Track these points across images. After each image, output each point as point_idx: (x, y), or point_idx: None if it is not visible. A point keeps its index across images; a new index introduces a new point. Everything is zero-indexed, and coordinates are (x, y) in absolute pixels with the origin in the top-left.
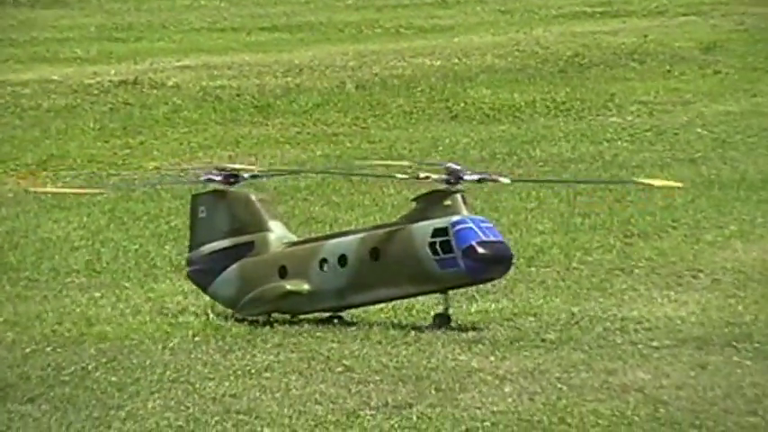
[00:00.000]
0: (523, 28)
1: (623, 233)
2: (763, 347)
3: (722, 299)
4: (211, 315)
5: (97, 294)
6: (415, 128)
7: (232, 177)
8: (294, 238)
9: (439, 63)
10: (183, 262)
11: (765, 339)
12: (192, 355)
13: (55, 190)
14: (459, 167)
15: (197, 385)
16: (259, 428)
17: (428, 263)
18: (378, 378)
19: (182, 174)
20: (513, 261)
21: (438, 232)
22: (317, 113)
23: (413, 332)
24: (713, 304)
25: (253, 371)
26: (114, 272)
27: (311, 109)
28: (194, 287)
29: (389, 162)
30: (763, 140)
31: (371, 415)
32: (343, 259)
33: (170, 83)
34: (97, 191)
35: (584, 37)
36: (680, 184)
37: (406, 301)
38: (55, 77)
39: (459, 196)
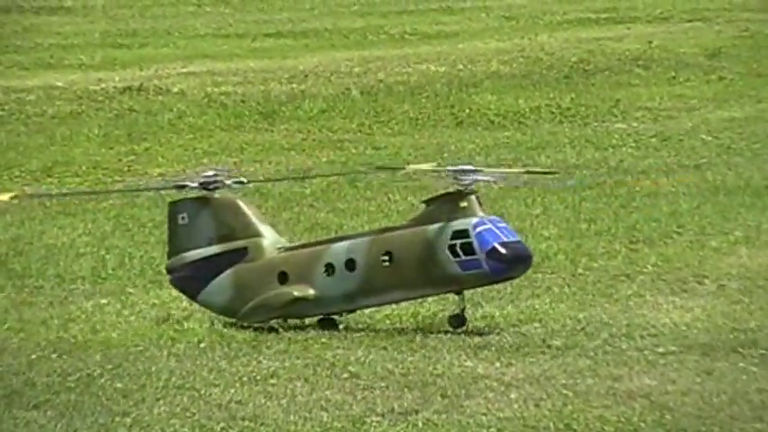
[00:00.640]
0: (528, 34)
1: (629, 239)
2: None
3: (728, 305)
4: (216, 322)
5: (102, 301)
6: (420, 134)
7: (211, 183)
8: (286, 243)
9: (444, 69)
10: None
11: None
12: (198, 362)
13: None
14: (472, 168)
15: (202, 392)
16: None
17: (449, 265)
18: (383, 384)
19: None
20: (533, 260)
21: (458, 234)
22: (322, 120)
23: (418, 338)
24: (719, 310)
25: (258, 377)
26: (119, 278)
27: (316, 115)
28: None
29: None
30: None
31: (377, 421)
32: (351, 263)
33: (175, 89)
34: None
35: (588, 43)
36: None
37: (411, 306)
38: (59, 84)
39: (474, 197)
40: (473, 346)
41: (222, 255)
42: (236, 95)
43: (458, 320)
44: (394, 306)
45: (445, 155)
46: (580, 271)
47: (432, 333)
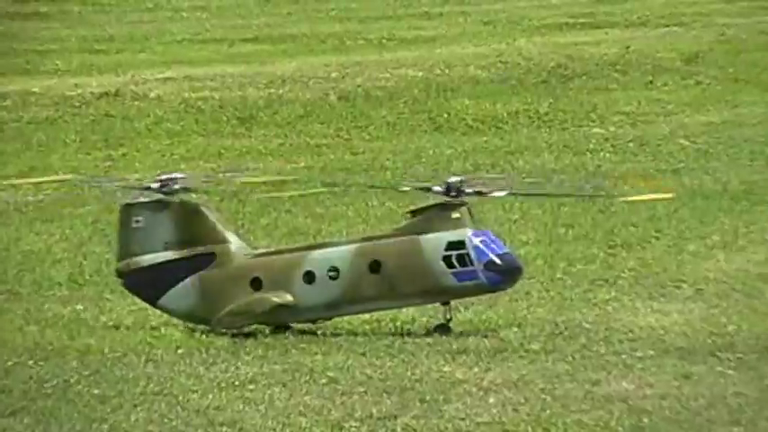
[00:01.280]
0: (506, 39)
1: (607, 244)
2: (746, 357)
3: (705, 309)
4: (195, 328)
5: (80, 307)
6: (398, 139)
7: (167, 187)
8: (251, 249)
9: (422, 74)
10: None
11: (748, 349)
12: (176, 368)
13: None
14: (459, 180)
15: (180, 398)
16: None
17: (443, 276)
18: (362, 389)
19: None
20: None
21: (453, 245)
22: (299, 125)
23: (397, 343)
24: (696, 314)
25: (237, 383)
26: (97, 284)
27: (294, 120)
28: None
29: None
30: (745, 151)
31: (356, 427)
32: (334, 271)
33: (152, 95)
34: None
35: (566, 48)
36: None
37: (390, 312)
38: (36, 89)
39: (466, 209)
40: (451, 350)
41: (185, 260)
42: (214, 101)
43: (443, 330)
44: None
45: (423, 160)
46: (558, 275)
47: (410, 338)
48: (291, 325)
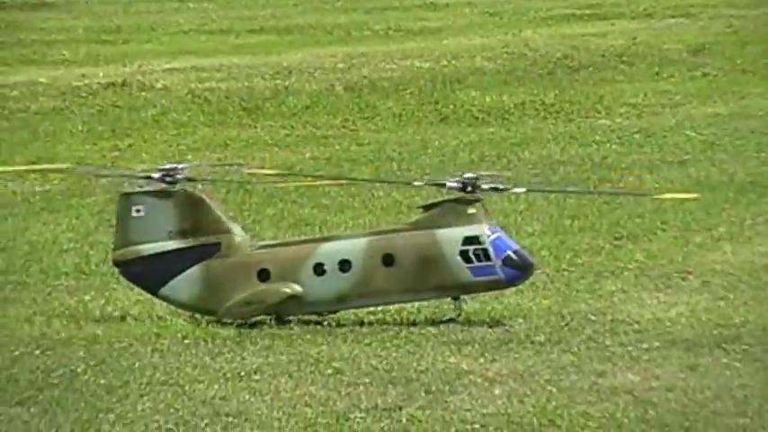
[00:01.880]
0: (512, 30)
1: (612, 235)
2: (752, 349)
3: (711, 301)
4: (201, 319)
5: (86, 297)
6: (404, 130)
7: (169, 176)
8: (254, 241)
9: (428, 65)
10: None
11: (754, 341)
12: (182, 358)
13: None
14: (475, 175)
15: (186, 388)
16: (249, 431)
17: (460, 270)
18: (367, 380)
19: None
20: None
21: (470, 240)
22: (305, 116)
23: (403, 334)
24: (702, 306)
25: (242, 373)
26: (103, 274)
27: (300, 111)
28: None
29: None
30: (752, 143)
31: (361, 417)
32: (345, 264)
33: (158, 85)
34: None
35: (572, 39)
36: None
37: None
38: (43, 80)
39: (481, 204)
40: (457, 341)
41: (188, 249)
42: (220, 91)
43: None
44: None
45: (429, 151)
46: (564, 267)
47: (416, 329)
48: (290, 318)
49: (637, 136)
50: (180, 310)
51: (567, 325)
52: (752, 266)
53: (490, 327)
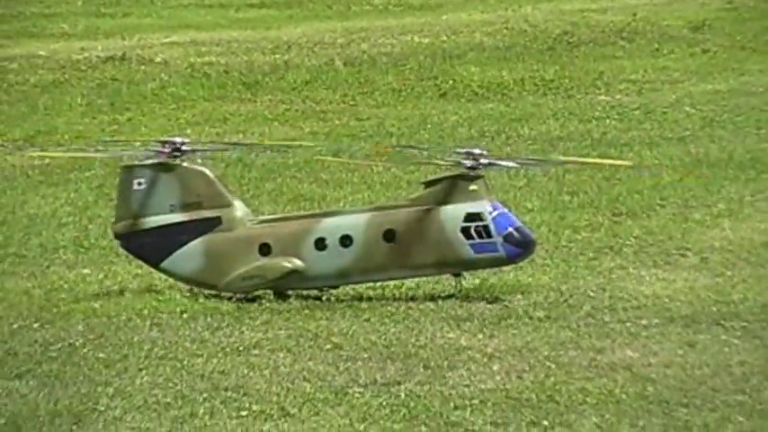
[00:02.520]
0: (512, 6)
1: (612, 211)
2: (751, 326)
3: (710, 277)
4: (199, 293)
5: (85, 271)
6: (403, 105)
7: (176, 150)
8: (255, 216)
9: (428, 40)
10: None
11: (753, 318)
12: (180, 332)
13: None
14: (478, 152)
15: (185, 362)
16: (247, 405)
17: (461, 247)
18: (366, 355)
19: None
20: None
21: (472, 217)
22: (305, 90)
23: (401, 309)
24: (701, 283)
25: (241, 348)
26: (102, 248)
27: (299, 86)
28: None
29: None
30: (752, 119)
31: (360, 392)
32: (347, 239)
33: (158, 59)
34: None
35: (572, 15)
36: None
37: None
38: (42, 53)
39: (482, 181)
40: (456, 317)
41: (190, 223)
42: (220, 66)
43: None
44: None
45: (428, 126)
46: (563, 243)
47: (415, 304)
48: (290, 292)
49: (636, 112)
50: (180, 284)
51: (565, 301)
52: (751, 243)
53: (489, 303)
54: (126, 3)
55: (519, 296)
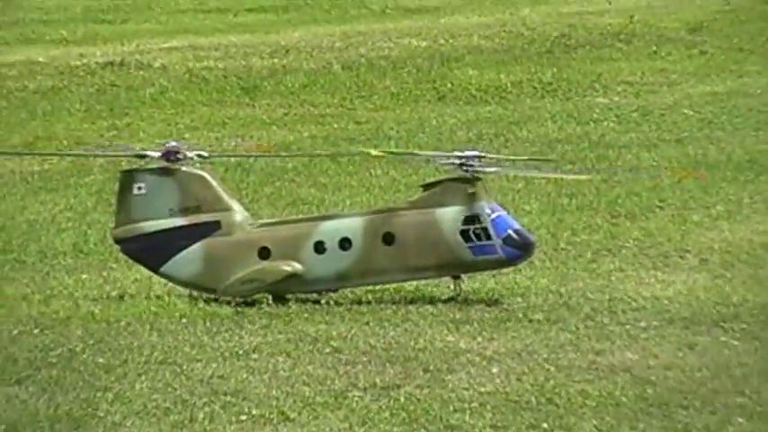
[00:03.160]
0: (509, 9)
1: (610, 213)
2: (751, 327)
3: (710, 279)
4: (198, 297)
5: (84, 276)
6: (402, 109)
7: (174, 155)
8: (254, 219)
9: (425, 44)
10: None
11: (753, 319)
12: (180, 337)
13: None
14: (474, 154)
15: (184, 367)
16: (247, 410)
17: (460, 249)
18: (365, 359)
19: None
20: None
21: (471, 219)
22: (303, 94)
23: (400, 312)
24: (701, 284)
25: (240, 352)
26: (101, 254)
27: (298, 90)
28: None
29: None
30: (750, 121)
31: (359, 396)
32: (346, 242)
33: (156, 64)
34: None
35: (570, 17)
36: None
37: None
38: (41, 59)
39: (481, 183)
40: (455, 320)
41: (190, 227)
42: (218, 70)
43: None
44: None
45: (427, 129)
46: (562, 245)
47: (414, 307)
48: (288, 296)
49: (634, 114)
50: (179, 289)
51: (565, 303)
52: (750, 245)
53: (488, 305)
54: (125, 9)
55: (518, 299)
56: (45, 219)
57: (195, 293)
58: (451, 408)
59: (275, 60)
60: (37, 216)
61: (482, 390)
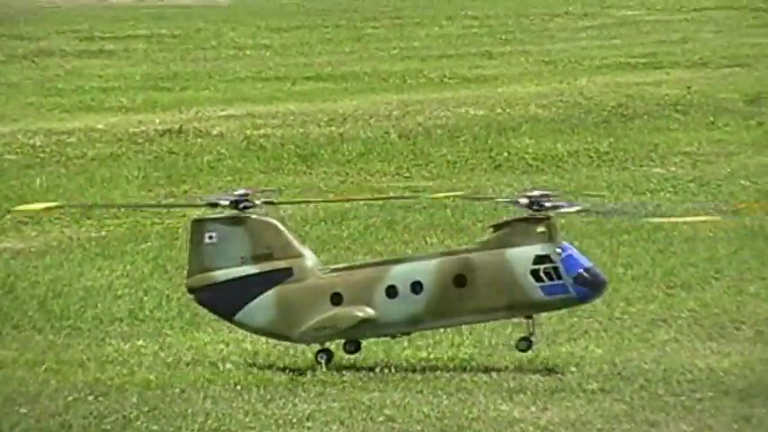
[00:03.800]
0: (567, 78)
1: (666, 284)
2: None
3: (765, 350)
4: (254, 364)
5: (140, 342)
6: (458, 177)
7: (242, 203)
8: (325, 265)
9: (482, 113)
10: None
11: None
12: (234, 404)
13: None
14: (541, 194)
15: None
16: None
17: (531, 289)
18: (419, 428)
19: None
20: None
21: (541, 259)
22: (360, 162)
23: (455, 381)
24: (756, 356)
25: (294, 420)
26: (157, 320)
27: (355, 158)
28: (239, 334)
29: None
30: None
31: None
32: (417, 285)
33: (214, 131)
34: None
35: (627, 87)
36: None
37: (449, 349)
38: (100, 126)
39: (550, 223)
40: (509, 389)
41: (262, 275)
42: (276, 138)
43: (526, 343)
44: (431, 348)
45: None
46: (617, 315)
47: (468, 375)
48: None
49: (691, 184)
50: (234, 356)
51: (619, 374)
52: None
53: (542, 375)
54: (184, 76)
55: (572, 368)
56: (102, 285)
57: (250, 359)
58: None
59: (332, 128)
60: (93, 282)
61: None
